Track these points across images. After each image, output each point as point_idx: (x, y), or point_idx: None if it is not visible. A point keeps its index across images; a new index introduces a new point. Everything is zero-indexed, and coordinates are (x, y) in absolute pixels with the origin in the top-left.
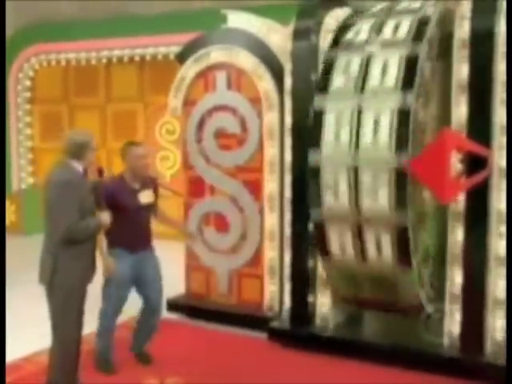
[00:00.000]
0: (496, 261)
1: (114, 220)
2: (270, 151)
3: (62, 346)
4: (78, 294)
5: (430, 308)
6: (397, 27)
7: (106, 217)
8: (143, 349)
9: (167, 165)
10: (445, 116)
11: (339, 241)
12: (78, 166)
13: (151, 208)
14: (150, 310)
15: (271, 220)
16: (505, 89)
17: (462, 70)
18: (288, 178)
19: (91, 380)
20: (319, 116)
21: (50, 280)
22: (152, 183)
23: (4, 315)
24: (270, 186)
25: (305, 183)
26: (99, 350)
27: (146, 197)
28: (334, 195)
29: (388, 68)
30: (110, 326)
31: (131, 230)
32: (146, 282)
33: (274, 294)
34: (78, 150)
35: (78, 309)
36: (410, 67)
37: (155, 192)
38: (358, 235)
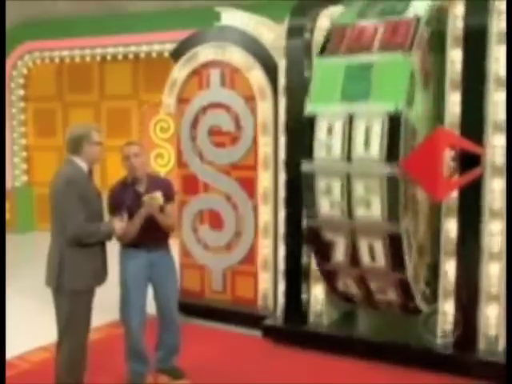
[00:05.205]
0: (489, 256)
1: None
2: (263, 149)
3: (69, 348)
4: (85, 298)
5: (426, 308)
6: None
7: (119, 225)
8: (170, 364)
9: (161, 162)
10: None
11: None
12: (82, 163)
13: (161, 209)
14: (163, 320)
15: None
16: (499, 87)
17: (455, 68)
18: (282, 177)
19: (95, 380)
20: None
21: (57, 282)
22: (162, 186)
23: (4, 315)
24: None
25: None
26: (131, 376)
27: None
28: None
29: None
30: (138, 344)
31: (141, 232)
32: (157, 283)
33: (268, 291)
34: (76, 144)
35: (86, 312)
36: None
37: (166, 196)
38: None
